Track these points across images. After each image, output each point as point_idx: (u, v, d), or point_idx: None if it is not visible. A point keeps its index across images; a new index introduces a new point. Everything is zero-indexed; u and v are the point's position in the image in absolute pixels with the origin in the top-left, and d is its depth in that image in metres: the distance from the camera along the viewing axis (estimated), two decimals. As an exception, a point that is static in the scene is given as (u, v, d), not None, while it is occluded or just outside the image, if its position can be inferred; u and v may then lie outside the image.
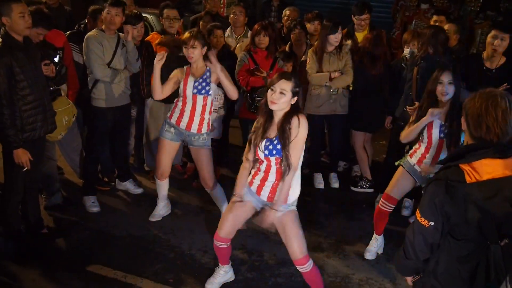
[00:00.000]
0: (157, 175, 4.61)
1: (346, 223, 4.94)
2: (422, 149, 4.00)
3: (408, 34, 5.33)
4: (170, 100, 5.18)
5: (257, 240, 4.51)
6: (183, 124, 4.35)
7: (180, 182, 5.60)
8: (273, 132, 3.28)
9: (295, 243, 3.40)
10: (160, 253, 4.30)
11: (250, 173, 3.48)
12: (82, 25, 5.19)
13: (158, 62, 4.18)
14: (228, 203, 3.82)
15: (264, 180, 3.38)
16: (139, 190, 5.31)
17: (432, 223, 2.17)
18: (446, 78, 3.78)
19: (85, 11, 5.25)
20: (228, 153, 6.13)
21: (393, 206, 4.21)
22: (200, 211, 5.00)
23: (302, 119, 3.22)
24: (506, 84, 4.37)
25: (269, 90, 3.22)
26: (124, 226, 4.70)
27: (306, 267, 3.44)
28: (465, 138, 2.30)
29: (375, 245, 4.37)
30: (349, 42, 5.36)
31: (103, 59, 4.65)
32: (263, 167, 3.37)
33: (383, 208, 4.19)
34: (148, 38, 5.13)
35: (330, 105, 5.26)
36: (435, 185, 2.16)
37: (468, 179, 2.07)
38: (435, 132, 3.89)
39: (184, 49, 4.24)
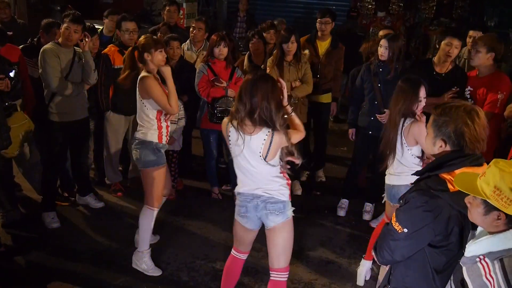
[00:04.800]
0: (156, 204, 4.21)
1: (308, 229, 4.99)
2: None
3: (367, 45, 5.41)
4: (129, 112, 5.19)
5: (221, 249, 4.51)
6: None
7: (142, 194, 5.53)
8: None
9: (287, 253, 3.33)
10: (123, 267, 4.24)
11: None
12: (36, 39, 5.11)
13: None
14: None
15: None
16: (100, 204, 5.24)
17: (405, 230, 2.20)
18: (422, 94, 3.68)
19: (39, 23, 5.17)
20: (191, 164, 6.13)
21: None
22: (162, 222, 4.96)
23: None
24: (456, 87, 4.53)
25: None
26: (85, 241, 4.63)
27: (285, 275, 3.35)
28: (430, 147, 2.37)
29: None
30: (307, 51, 5.43)
31: (60, 72, 4.60)
32: None
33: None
34: (105, 50, 5.10)
35: (290, 114, 5.31)
36: (418, 194, 2.21)
37: (451, 188, 2.15)
38: None
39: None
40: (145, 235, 4.16)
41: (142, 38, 4.04)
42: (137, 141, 4.03)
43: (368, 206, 5.23)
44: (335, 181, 6.09)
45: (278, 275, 3.31)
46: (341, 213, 5.27)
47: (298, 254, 4.52)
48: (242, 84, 3.09)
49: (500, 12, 8.73)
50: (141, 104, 3.96)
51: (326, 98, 5.81)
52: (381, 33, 5.51)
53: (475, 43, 4.51)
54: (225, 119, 3.17)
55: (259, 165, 3.09)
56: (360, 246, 4.66)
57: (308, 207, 5.45)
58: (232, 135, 3.09)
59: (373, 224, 5.06)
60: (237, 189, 3.28)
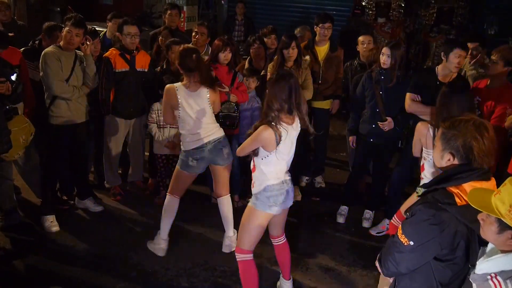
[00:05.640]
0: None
1: (308, 236, 4.99)
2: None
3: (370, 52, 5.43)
4: (129, 116, 5.18)
5: (220, 256, 4.50)
6: None
7: (142, 198, 5.55)
8: None
9: (238, 232, 3.70)
10: (122, 272, 4.23)
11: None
12: (37, 42, 5.10)
13: None
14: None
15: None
16: (99, 208, 5.22)
17: (411, 243, 2.19)
18: None
19: (41, 26, 5.16)
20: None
21: None
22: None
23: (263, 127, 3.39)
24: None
25: None
26: (85, 245, 4.61)
27: (238, 257, 3.66)
28: (437, 160, 2.37)
29: None
30: (307, 57, 5.43)
31: (61, 75, 4.60)
32: None
33: (393, 222, 4.24)
34: (106, 54, 5.09)
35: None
36: (425, 207, 2.20)
37: (458, 202, 2.15)
38: None
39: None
40: None
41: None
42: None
43: (368, 213, 5.22)
44: (334, 187, 6.09)
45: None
46: (341, 220, 5.26)
47: (297, 261, 4.51)
48: (276, 87, 3.36)
49: (499, 20, 8.75)
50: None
51: (326, 104, 5.81)
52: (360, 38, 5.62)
53: (493, 54, 4.50)
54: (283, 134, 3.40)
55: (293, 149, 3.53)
56: (360, 253, 4.65)
57: (308, 213, 5.45)
58: (283, 134, 3.36)
59: (373, 232, 5.06)
60: (280, 178, 3.53)
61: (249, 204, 3.60)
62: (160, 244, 4.46)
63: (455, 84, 3.88)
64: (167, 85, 4.20)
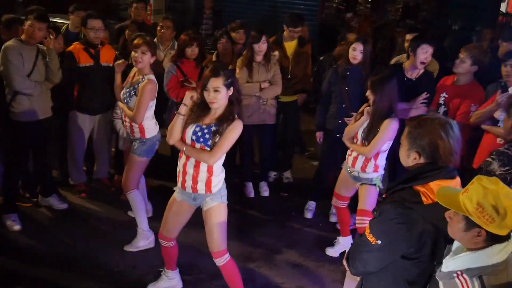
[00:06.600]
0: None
1: (277, 232, 4.99)
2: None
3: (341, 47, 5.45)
4: (94, 111, 5.09)
5: (187, 254, 4.45)
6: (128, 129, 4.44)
7: (107, 195, 5.45)
8: (206, 121, 3.32)
9: (213, 237, 3.49)
10: (88, 271, 4.15)
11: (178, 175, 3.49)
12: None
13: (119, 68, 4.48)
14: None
15: (184, 172, 3.40)
16: (63, 206, 5.10)
17: (379, 242, 2.20)
18: None
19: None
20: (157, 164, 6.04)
21: (344, 202, 4.44)
22: (129, 225, 4.85)
23: (237, 122, 3.30)
24: (425, 93, 4.59)
25: (204, 91, 3.25)
26: (48, 244, 4.51)
27: (220, 260, 3.53)
28: (404, 158, 2.38)
29: (339, 246, 4.61)
30: (276, 53, 5.42)
31: (23, 70, 4.46)
32: (183, 159, 3.40)
33: (335, 204, 4.49)
34: (70, 48, 4.97)
35: (259, 115, 5.31)
36: (392, 207, 2.21)
37: (424, 200, 2.17)
38: (360, 130, 4.06)
39: (132, 52, 4.22)
40: None
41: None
42: None
43: (335, 209, 5.24)
44: (302, 182, 6.10)
45: None
46: (309, 215, 5.29)
47: (265, 256, 4.52)
48: None
49: (464, 15, 8.90)
50: None
51: (295, 98, 5.82)
52: (351, 36, 5.55)
53: (461, 52, 4.56)
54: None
55: None
56: (325, 248, 4.68)
57: (275, 208, 5.46)
58: None
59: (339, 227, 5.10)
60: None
61: (218, 202, 3.47)
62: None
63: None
64: (153, 81, 4.21)
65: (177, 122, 3.36)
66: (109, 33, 6.03)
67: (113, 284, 4.03)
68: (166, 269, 3.91)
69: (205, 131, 3.29)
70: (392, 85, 3.90)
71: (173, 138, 3.39)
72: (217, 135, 3.25)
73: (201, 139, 3.29)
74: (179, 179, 3.46)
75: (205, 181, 3.37)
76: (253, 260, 4.47)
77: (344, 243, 4.57)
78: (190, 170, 3.36)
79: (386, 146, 3.99)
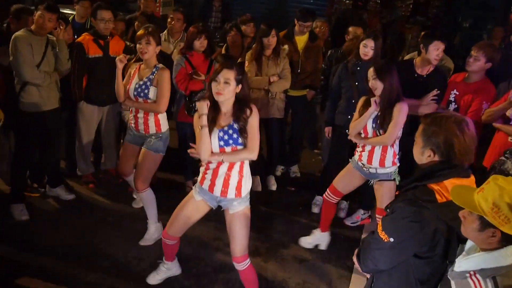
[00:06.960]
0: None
1: (283, 226, 4.98)
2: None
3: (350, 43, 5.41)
4: (102, 103, 5.07)
5: (193, 247, 4.46)
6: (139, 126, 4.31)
7: (115, 186, 5.45)
8: (224, 122, 3.25)
9: (238, 242, 3.42)
10: (94, 262, 4.15)
11: (200, 171, 3.42)
12: (5, 25, 4.92)
13: (120, 63, 4.21)
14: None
15: (215, 174, 3.31)
16: (71, 196, 5.12)
17: (391, 239, 2.18)
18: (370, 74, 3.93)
19: (7, 8, 4.97)
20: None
21: (336, 198, 4.36)
22: (135, 217, 4.88)
23: (253, 108, 3.24)
24: (436, 89, 4.55)
25: (212, 82, 3.18)
26: (55, 234, 4.51)
27: (242, 265, 3.47)
28: (418, 156, 2.36)
29: (313, 238, 4.57)
30: (286, 47, 5.39)
31: (32, 61, 4.45)
32: (213, 164, 3.30)
33: (326, 198, 4.40)
34: (79, 39, 4.96)
35: (268, 109, 5.30)
36: (405, 204, 2.19)
37: (439, 199, 2.14)
38: (369, 123, 4.02)
39: (137, 44, 4.16)
40: None
41: None
42: None
43: (343, 204, 5.24)
44: (310, 177, 6.09)
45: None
46: (316, 210, 5.27)
47: (272, 250, 4.51)
48: None
49: (475, 14, 8.84)
50: None
51: (304, 93, 5.80)
52: (357, 30, 5.52)
53: (473, 49, 4.51)
54: None
55: None
56: (334, 244, 4.66)
57: (282, 203, 5.44)
58: None
59: (348, 222, 5.09)
60: None
61: (245, 206, 3.43)
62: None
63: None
64: (167, 69, 4.20)
65: (205, 135, 3.19)
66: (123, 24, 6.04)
67: (118, 275, 4.03)
68: (165, 260, 3.92)
69: (230, 132, 3.22)
70: (395, 70, 3.91)
71: (207, 152, 3.22)
72: (244, 132, 3.21)
73: (230, 141, 3.22)
74: (205, 182, 3.36)
75: (236, 185, 3.32)
76: (259, 254, 4.46)
77: (319, 238, 4.57)
78: (222, 174, 3.29)
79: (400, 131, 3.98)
